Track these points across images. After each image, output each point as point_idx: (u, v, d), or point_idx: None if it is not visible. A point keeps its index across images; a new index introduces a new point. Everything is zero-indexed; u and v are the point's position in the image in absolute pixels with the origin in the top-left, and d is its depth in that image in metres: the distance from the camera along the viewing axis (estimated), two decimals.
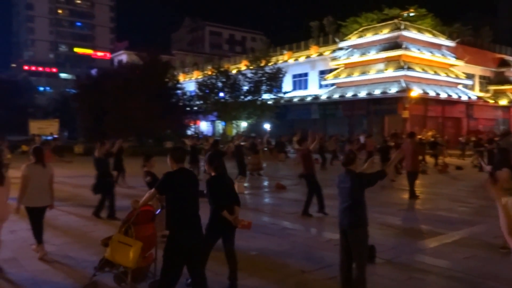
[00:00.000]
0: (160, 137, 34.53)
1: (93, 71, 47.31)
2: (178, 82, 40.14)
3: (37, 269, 5.99)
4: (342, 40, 40.36)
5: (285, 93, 40.26)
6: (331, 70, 40.49)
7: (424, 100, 34.88)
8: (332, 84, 39.99)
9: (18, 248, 6.93)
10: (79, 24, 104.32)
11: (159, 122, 32.17)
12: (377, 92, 34.96)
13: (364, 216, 4.81)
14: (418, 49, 36.14)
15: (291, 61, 45.43)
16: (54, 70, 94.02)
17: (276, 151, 25.78)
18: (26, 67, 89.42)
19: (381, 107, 35.54)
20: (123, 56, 74.58)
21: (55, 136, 32.40)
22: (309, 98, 41.86)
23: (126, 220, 4.86)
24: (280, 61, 44.34)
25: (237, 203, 5.27)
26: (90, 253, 6.61)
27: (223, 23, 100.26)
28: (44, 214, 6.59)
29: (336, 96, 38.37)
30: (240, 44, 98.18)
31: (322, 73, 42.26)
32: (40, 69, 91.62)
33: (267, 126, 39.20)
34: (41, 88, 73.89)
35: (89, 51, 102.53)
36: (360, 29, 40.01)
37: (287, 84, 43.17)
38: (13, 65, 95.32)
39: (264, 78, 37.91)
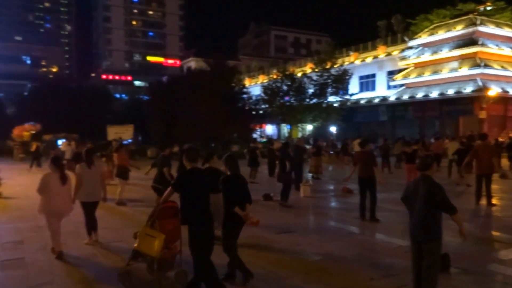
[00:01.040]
0: (226, 141, 35.29)
1: (164, 78, 49.43)
2: (244, 86, 40.86)
3: (86, 253, 7.06)
4: (411, 38, 38.85)
5: (351, 95, 39.47)
6: (400, 70, 39.11)
7: (504, 99, 32.57)
8: (401, 85, 38.59)
9: (69, 234, 7.65)
10: (151, 34, 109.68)
11: (226, 126, 32.92)
12: (450, 92, 33.19)
13: (439, 227, 4.51)
14: (497, 45, 33.84)
15: (357, 62, 44.47)
16: (129, 78, 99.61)
17: (342, 154, 25.34)
18: (104, 76, 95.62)
19: (455, 108, 33.70)
20: (191, 63, 77.23)
21: (130, 140, 34.28)
22: (376, 100, 40.72)
23: (151, 215, 5.38)
24: (346, 63, 43.57)
25: (249, 201, 5.64)
26: None
27: (288, 27, 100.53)
28: (95, 208, 7.50)
29: (405, 97, 36.97)
30: (305, 47, 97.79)
31: (391, 73, 40.92)
32: (117, 77, 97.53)
33: (333, 129, 38.64)
34: (118, 95, 78.51)
35: (160, 59, 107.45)
36: (431, 27, 38.26)
37: (353, 86, 42.29)
38: (93, 74, 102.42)
39: (329, 81, 37.43)
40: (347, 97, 38.92)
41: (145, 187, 14.02)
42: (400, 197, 4.95)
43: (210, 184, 5.19)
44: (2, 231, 8.67)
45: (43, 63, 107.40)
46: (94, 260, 6.69)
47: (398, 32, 42.90)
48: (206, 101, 32.43)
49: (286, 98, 38.79)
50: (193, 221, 4.87)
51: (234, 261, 5.59)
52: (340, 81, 37.70)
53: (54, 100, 45.18)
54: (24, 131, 33.43)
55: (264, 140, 38.50)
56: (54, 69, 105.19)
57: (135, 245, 5.35)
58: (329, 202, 12.99)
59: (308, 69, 44.91)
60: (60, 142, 30.21)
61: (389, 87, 40.84)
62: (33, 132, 32.50)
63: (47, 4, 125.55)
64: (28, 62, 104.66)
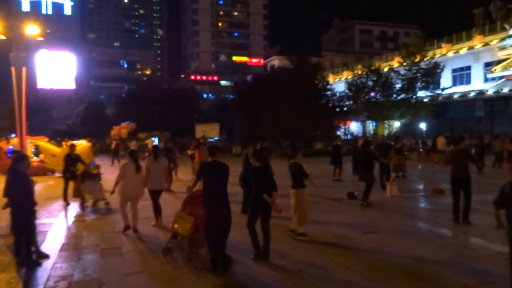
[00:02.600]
0: (310, 138, 35.05)
1: (248, 77, 50.46)
2: (327, 83, 40.24)
3: (152, 231, 8.31)
4: None
5: (443, 89, 37.03)
6: (499, 61, 35.88)
7: None
8: (501, 77, 35.36)
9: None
10: (236, 34, 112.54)
11: (309, 124, 32.71)
12: None
13: None
14: None
15: (450, 54, 41.63)
16: (215, 78, 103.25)
17: (432, 152, 23.90)
18: (192, 77, 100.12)
19: None
20: (275, 61, 77.89)
21: (216, 138, 35.53)
22: (472, 94, 37.80)
23: (184, 201, 6.63)
24: (438, 55, 41.00)
25: (275, 189, 6.58)
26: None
27: (373, 20, 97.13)
28: (159, 195, 8.70)
29: (506, 90, 33.86)
30: (392, 40, 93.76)
31: (488, 65, 37.70)
32: (204, 78, 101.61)
33: (422, 126, 36.64)
34: (205, 95, 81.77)
35: (245, 59, 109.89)
36: None
37: (445, 79, 39.65)
38: (182, 75, 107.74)
39: (419, 75, 35.45)
40: (439, 91, 36.59)
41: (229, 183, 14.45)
42: (493, 199, 4.57)
43: (227, 175, 6.13)
44: (102, 222, 9.46)
45: (138, 66, 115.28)
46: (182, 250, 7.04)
47: (497, 19, 39.36)
48: (289, 99, 32.49)
49: (372, 94, 37.49)
50: (209, 205, 5.83)
51: (252, 237, 6.53)
52: (431, 75, 35.51)
53: (148, 101, 48.33)
54: (122, 129, 36.15)
55: (348, 137, 37.69)
56: (148, 72, 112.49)
57: (174, 226, 6.50)
58: (417, 202, 12.35)
59: (395, 63, 43.01)
60: (155, 139, 32.17)
61: (486, 79, 37.68)
62: (128, 130, 35.01)
63: (141, 11, 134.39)
64: (125, 66, 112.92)
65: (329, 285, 5.51)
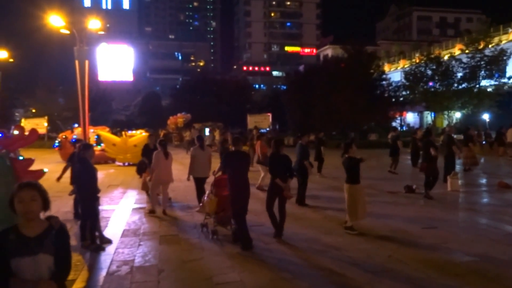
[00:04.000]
0: (364, 129, 34.20)
1: (301, 68, 49.99)
2: (383, 72, 38.94)
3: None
4: None
5: (509, 78, 34.76)
6: None
7: None
8: None
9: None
10: (288, 24, 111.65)
11: (363, 115, 31.90)
12: None
13: None
14: None
15: None
16: (267, 69, 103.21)
17: (497, 145, 22.53)
18: (244, 68, 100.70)
19: None
20: (328, 51, 76.59)
21: (267, 129, 35.54)
22: None
23: (212, 184, 7.44)
24: (504, 41, 38.51)
25: (290, 176, 7.33)
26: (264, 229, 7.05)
27: (432, 6, 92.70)
28: (204, 182, 9.25)
29: None
30: (453, 27, 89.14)
31: None
32: (256, 68, 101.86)
33: (485, 117, 34.65)
34: (257, 86, 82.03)
35: (297, 49, 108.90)
36: None
37: None
38: (235, 66, 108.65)
39: (482, 63, 33.48)
40: (504, 80, 34.37)
41: None
42: None
43: (248, 162, 7.18)
44: (160, 210, 9.74)
45: (192, 58, 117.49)
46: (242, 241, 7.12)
47: None
48: (343, 89, 31.81)
49: (431, 83, 35.88)
50: (233, 188, 6.73)
51: (271, 218, 7.29)
52: (496, 63, 33.40)
53: (201, 92, 49.19)
54: (177, 120, 37.09)
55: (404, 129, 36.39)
56: (201, 63, 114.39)
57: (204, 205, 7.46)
58: (481, 197, 11.70)
59: (456, 50, 40.85)
60: (207, 130, 32.77)
61: None
62: (185, 120, 35.84)
63: (195, 4, 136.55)
64: (180, 58, 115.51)
65: (388, 280, 5.35)
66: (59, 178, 8.41)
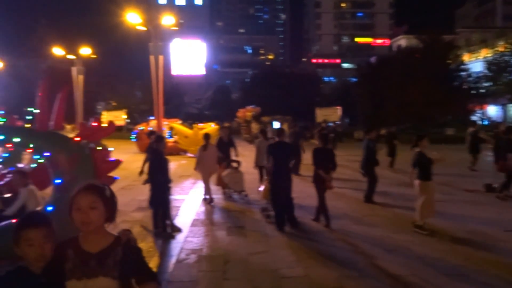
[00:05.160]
0: (440, 123, 32.40)
1: (372, 59, 48.38)
2: (462, 63, 36.60)
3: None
4: None
5: None
6: None
7: None
8: None
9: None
10: (360, 14, 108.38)
11: (439, 108, 30.26)
12: None
13: None
14: None
15: None
16: (337, 61, 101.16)
17: None
18: (313, 60, 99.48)
19: None
20: (401, 41, 73.32)
21: (337, 122, 34.87)
22: None
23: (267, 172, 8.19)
24: None
25: (333, 168, 7.67)
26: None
27: None
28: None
29: None
30: None
31: None
32: (326, 61, 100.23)
33: None
34: (326, 79, 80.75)
35: (368, 40, 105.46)
36: None
37: None
38: (304, 59, 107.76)
39: None
40: None
41: (351, 168, 14.11)
42: None
43: (289, 153, 7.88)
44: (229, 201, 9.94)
45: (261, 51, 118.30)
46: (301, 235, 7.07)
47: None
48: (418, 81, 30.36)
49: None
50: (275, 176, 7.45)
51: (321, 206, 7.73)
52: None
53: (270, 85, 49.39)
54: (247, 113, 37.55)
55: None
56: (271, 57, 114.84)
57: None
58: None
59: None
60: (275, 123, 32.84)
61: None
62: (255, 113, 36.15)
63: None
64: (249, 51, 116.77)
65: (464, 285, 5.02)
66: (141, 172, 8.57)
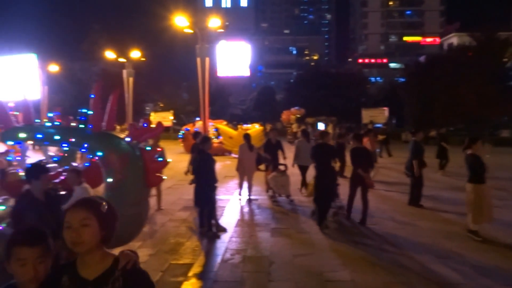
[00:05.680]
0: (494, 125, 30.90)
1: (421, 58, 46.85)
2: None
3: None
4: None
5: None
6: None
7: None
8: None
9: None
10: (408, 12, 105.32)
11: (493, 108, 28.84)
12: None
13: None
14: None
15: None
16: (384, 60, 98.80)
17: None
18: (360, 60, 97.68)
19: None
20: (453, 39, 70.50)
21: (383, 123, 34.03)
22: None
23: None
24: None
25: (371, 167, 8.39)
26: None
27: None
28: (307, 170, 10.23)
29: None
30: None
31: None
32: (372, 61, 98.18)
33: None
34: (372, 79, 79.07)
35: (417, 38, 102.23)
36: None
37: None
38: (350, 59, 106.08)
39: None
40: None
41: (395, 170, 13.71)
42: None
43: (331, 153, 7.96)
44: (272, 203, 9.92)
45: (306, 52, 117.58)
46: (353, 238, 6.95)
47: None
48: (470, 80, 29.09)
49: None
50: (318, 175, 7.74)
51: (348, 206, 8.13)
52: None
53: (315, 86, 48.97)
54: (291, 115, 37.45)
55: None
56: (315, 57, 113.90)
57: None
58: None
59: None
60: (319, 124, 32.54)
61: None
62: (298, 116, 36.00)
63: None
64: (294, 52, 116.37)
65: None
66: (187, 172, 9.20)
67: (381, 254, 6.16)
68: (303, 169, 10.46)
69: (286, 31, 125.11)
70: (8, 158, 7.57)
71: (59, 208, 3.72)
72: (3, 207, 5.89)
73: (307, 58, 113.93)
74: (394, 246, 6.56)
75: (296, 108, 38.15)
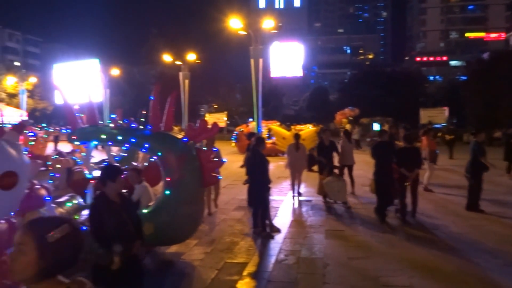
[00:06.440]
0: None
1: (485, 55, 44.47)
2: None
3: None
4: None
5: None
6: None
7: None
8: None
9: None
10: (471, 7, 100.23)
11: None
12: None
13: None
14: None
15: None
16: (444, 58, 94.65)
17: None
18: (417, 59, 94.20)
19: None
20: None
21: (443, 124, 32.63)
22: None
23: None
24: None
25: (418, 167, 8.12)
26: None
27: None
28: (352, 170, 10.77)
29: None
30: None
31: None
32: (431, 59, 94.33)
33: None
34: (431, 77, 75.99)
35: (480, 34, 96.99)
36: None
37: None
38: (406, 58, 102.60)
39: None
40: None
41: (456, 173, 13.08)
42: None
43: (392, 152, 8.10)
44: (324, 204, 9.79)
45: (361, 51, 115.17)
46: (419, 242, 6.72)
47: None
48: None
49: None
50: (377, 171, 8.04)
51: (401, 205, 8.09)
52: None
53: (370, 85, 47.87)
54: (344, 116, 36.85)
55: None
56: (370, 56, 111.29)
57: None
58: None
59: None
60: (375, 125, 31.80)
61: None
62: (350, 118, 35.35)
63: None
64: (348, 51, 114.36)
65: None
66: (242, 166, 10.06)
67: (441, 259, 5.90)
68: (349, 169, 10.80)
69: (340, 30, 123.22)
70: (74, 158, 8.03)
71: (133, 209, 3.80)
72: (70, 204, 6.26)
73: (362, 57, 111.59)
74: (456, 252, 6.26)
75: (350, 108, 37.46)
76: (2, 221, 2.69)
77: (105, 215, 3.48)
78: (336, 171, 9.77)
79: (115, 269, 3.32)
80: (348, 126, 28.29)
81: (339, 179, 9.37)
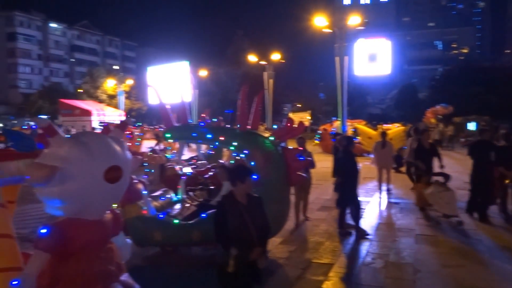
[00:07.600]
0: None
1: None
2: None
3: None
4: None
5: None
6: None
7: None
8: None
9: None
10: None
11: None
12: None
13: None
14: None
15: None
16: None
17: None
18: None
19: None
20: None
21: None
22: None
23: None
24: None
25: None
26: None
27: None
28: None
29: None
30: None
31: None
32: None
33: None
34: None
35: None
36: None
37: None
38: (507, 51, 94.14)
39: None
40: None
41: None
42: None
43: (490, 150, 7.81)
44: (415, 208, 9.30)
45: (454, 45, 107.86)
46: None
47: None
48: None
49: None
50: (474, 174, 7.96)
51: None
52: None
53: (465, 82, 44.65)
54: (436, 114, 34.71)
55: None
56: (465, 50, 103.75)
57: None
58: None
59: None
60: (469, 124, 29.66)
61: None
62: (440, 117, 33.14)
63: None
64: (440, 46, 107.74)
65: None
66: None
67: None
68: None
69: (431, 24, 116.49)
70: (167, 155, 8.50)
71: (259, 212, 3.61)
72: (163, 198, 6.65)
73: (455, 52, 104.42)
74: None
75: (443, 105, 35.10)
76: (108, 212, 2.92)
77: (228, 215, 3.44)
78: (440, 178, 8.21)
79: (231, 272, 3.34)
80: (450, 129, 26.73)
81: (446, 189, 7.88)
